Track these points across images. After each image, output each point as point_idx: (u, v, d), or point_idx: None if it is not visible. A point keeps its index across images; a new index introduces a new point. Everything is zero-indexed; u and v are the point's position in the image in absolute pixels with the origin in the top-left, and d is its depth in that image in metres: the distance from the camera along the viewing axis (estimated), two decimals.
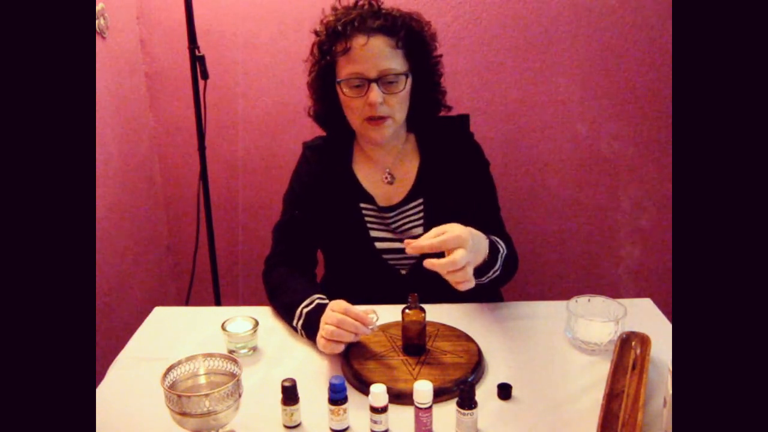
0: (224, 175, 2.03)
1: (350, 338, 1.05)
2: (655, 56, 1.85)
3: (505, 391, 0.99)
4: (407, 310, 1.09)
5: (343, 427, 0.93)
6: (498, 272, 1.17)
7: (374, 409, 0.91)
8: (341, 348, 1.06)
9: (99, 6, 1.63)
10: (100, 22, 1.64)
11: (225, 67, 1.90)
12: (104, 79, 1.69)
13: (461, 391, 0.90)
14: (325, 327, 1.06)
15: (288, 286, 1.25)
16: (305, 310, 1.15)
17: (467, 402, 0.90)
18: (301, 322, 1.15)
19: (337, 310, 1.06)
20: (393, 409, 0.93)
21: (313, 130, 1.41)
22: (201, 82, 1.71)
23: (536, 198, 2.01)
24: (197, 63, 1.68)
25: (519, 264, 1.31)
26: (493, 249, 1.15)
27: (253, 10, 1.85)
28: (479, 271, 1.11)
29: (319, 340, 1.08)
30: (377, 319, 1.07)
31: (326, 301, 1.15)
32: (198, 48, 1.68)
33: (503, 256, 1.19)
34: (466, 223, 1.08)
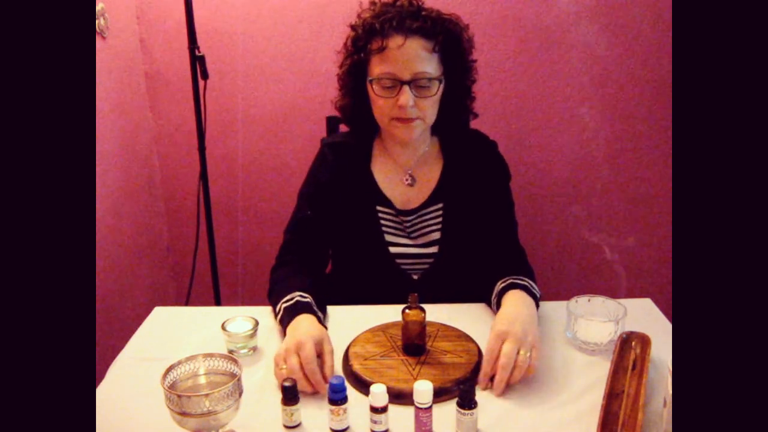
0: (224, 175, 2.03)
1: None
2: (656, 55, 1.85)
3: None
4: (407, 310, 1.08)
5: (343, 427, 0.93)
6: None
7: (374, 409, 0.91)
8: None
9: (99, 6, 1.63)
10: (100, 22, 1.64)
11: (225, 67, 1.90)
12: (104, 79, 1.69)
13: (461, 391, 0.90)
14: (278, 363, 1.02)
15: (281, 283, 1.24)
16: (284, 306, 1.15)
17: (467, 402, 0.90)
18: (278, 317, 1.15)
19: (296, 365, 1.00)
20: (393, 409, 0.93)
21: (313, 131, 1.41)
22: (201, 82, 1.71)
23: (536, 198, 2.01)
24: (197, 63, 1.68)
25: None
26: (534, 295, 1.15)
27: (253, 10, 1.85)
28: None
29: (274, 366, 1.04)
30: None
31: (307, 299, 1.15)
32: (198, 48, 1.68)
33: (537, 296, 1.18)
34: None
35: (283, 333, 1.14)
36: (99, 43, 1.65)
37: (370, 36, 1.19)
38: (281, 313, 1.15)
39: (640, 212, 2.01)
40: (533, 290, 1.16)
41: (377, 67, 1.19)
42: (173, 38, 1.87)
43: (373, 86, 1.20)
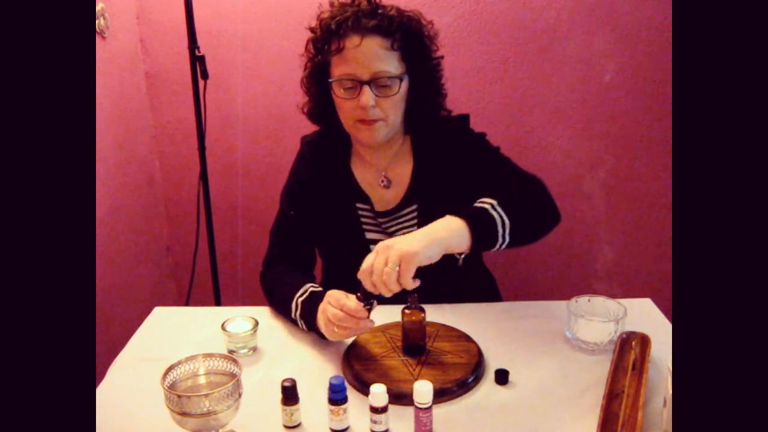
0: (224, 175, 2.02)
1: (353, 333, 1.06)
2: (656, 56, 1.85)
3: (502, 376, 1.01)
4: (407, 311, 1.09)
5: (343, 427, 0.93)
6: (508, 224, 1.09)
7: (374, 409, 0.91)
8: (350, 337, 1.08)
9: (99, 6, 1.63)
10: (100, 22, 1.64)
11: (225, 67, 1.90)
12: (104, 79, 1.69)
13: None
14: (328, 326, 1.06)
15: (281, 283, 1.24)
16: (300, 300, 1.15)
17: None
18: (298, 312, 1.15)
19: (334, 306, 1.06)
20: (393, 409, 0.93)
21: (312, 129, 1.41)
22: (201, 82, 1.71)
23: None
24: (197, 63, 1.68)
25: (534, 236, 1.22)
26: (477, 213, 1.08)
27: (253, 10, 1.85)
28: (483, 241, 1.07)
29: (326, 333, 1.09)
30: (373, 307, 1.05)
31: (319, 289, 1.15)
32: (198, 48, 1.68)
33: (495, 205, 1.10)
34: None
35: (305, 327, 1.15)
36: (99, 43, 1.65)
37: (328, 37, 1.17)
38: (299, 308, 1.15)
39: (640, 212, 2.01)
40: (488, 213, 1.09)
41: (337, 69, 1.17)
42: (173, 38, 1.87)
43: (335, 88, 1.19)
